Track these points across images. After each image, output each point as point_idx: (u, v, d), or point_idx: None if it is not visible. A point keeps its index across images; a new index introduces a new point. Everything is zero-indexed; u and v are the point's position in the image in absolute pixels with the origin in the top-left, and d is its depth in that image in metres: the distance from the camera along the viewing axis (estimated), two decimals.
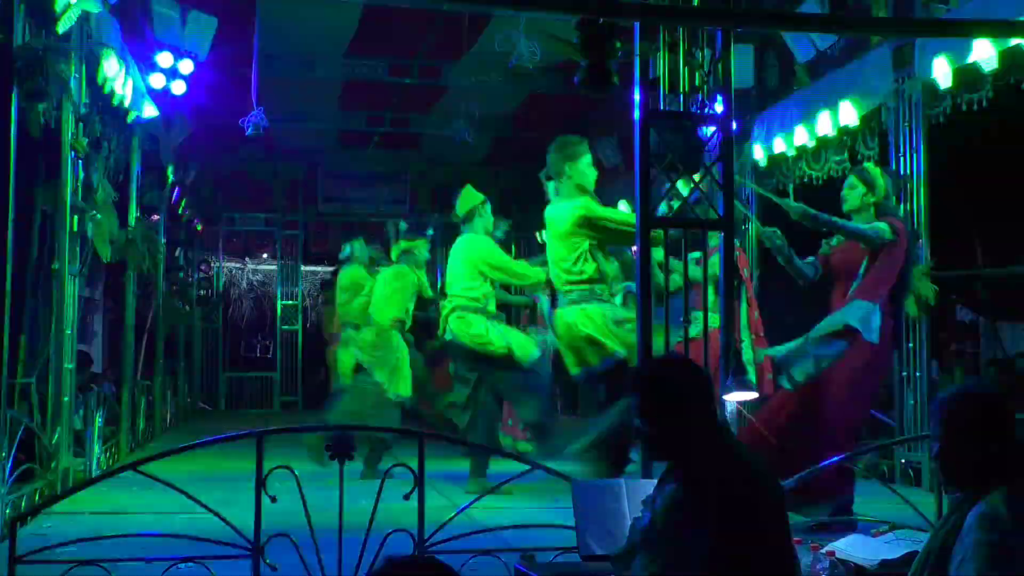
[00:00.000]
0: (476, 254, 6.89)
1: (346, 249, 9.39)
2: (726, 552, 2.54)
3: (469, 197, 7.10)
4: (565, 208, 5.88)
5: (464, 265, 6.91)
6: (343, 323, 9.35)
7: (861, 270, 5.52)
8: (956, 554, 2.30)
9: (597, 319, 5.76)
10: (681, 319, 4.72)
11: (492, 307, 6.95)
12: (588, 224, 5.80)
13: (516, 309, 10.01)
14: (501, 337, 6.71)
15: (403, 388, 7.94)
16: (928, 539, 2.54)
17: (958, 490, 2.44)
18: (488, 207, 7.11)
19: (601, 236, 5.83)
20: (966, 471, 2.40)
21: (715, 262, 5.07)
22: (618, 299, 7.22)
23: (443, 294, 7.33)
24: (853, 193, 5.72)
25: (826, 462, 4.74)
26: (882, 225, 5.49)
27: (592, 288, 5.83)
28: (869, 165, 5.95)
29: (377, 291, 8.30)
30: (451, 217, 7.30)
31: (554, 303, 7.12)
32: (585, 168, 5.90)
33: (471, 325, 6.74)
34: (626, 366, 5.55)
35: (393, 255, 8.48)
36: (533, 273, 6.93)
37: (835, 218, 5.54)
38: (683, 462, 2.71)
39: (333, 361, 10.63)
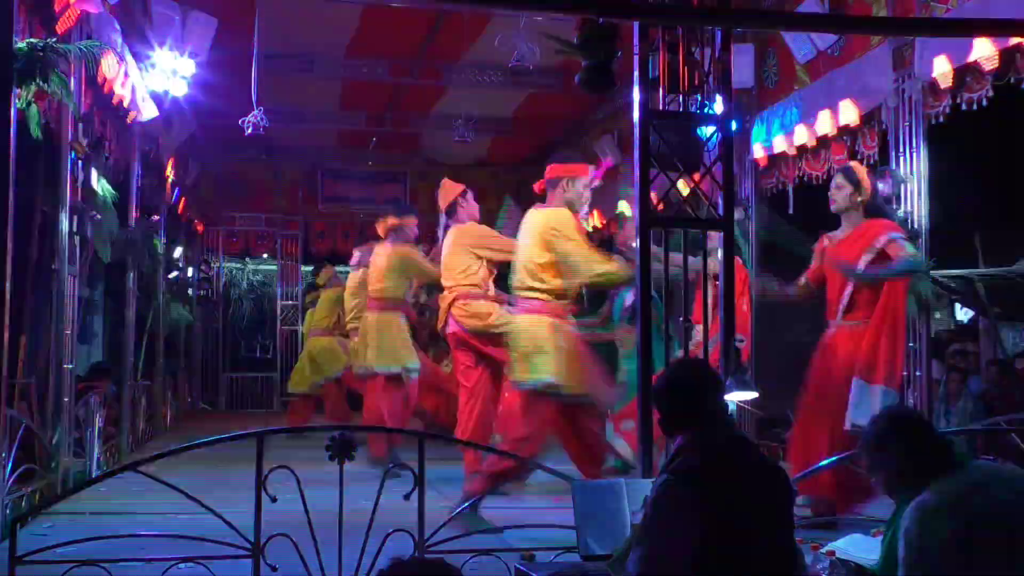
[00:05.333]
0: (464, 237, 6.88)
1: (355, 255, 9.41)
2: (712, 545, 2.55)
3: (448, 190, 7.10)
4: (549, 213, 5.67)
5: (456, 250, 6.90)
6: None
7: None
8: (900, 551, 2.56)
9: (546, 333, 5.52)
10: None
11: (492, 291, 6.91)
12: (557, 235, 5.52)
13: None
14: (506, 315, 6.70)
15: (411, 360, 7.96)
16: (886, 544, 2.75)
17: (897, 498, 2.70)
18: (469, 195, 7.10)
19: (559, 252, 5.53)
20: (894, 481, 2.71)
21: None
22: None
23: (440, 290, 7.30)
24: (840, 194, 5.76)
25: (826, 462, 4.75)
26: (910, 249, 5.55)
27: (551, 301, 5.59)
28: (854, 163, 5.96)
29: (373, 272, 8.34)
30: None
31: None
32: (581, 188, 5.81)
33: (476, 308, 6.72)
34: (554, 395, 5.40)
35: (380, 231, 8.49)
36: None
37: (886, 270, 5.57)
38: (680, 452, 2.75)
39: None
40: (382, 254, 8.41)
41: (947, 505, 2.53)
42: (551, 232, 5.51)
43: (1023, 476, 2.82)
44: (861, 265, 5.61)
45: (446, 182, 7.16)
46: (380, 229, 8.55)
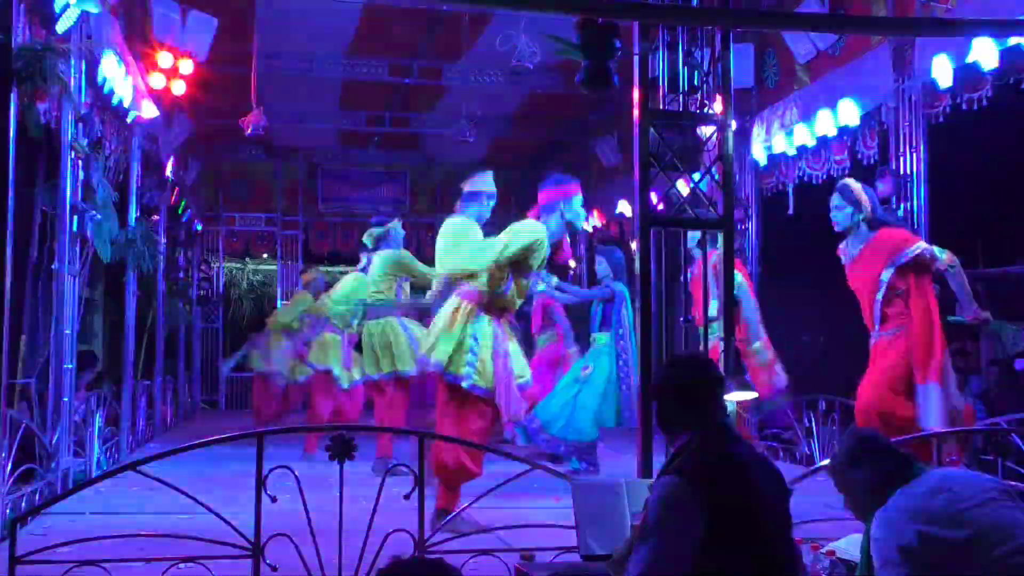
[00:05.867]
0: (459, 237, 6.89)
1: (364, 260, 9.40)
2: (716, 546, 2.55)
3: (482, 182, 7.00)
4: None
5: (451, 250, 6.90)
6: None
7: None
8: (875, 560, 2.67)
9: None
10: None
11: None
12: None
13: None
14: None
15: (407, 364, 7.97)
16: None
17: (867, 516, 2.79)
18: (491, 204, 7.07)
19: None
20: (865, 496, 2.81)
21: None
22: None
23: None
24: (841, 214, 5.79)
25: (827, 461, 4.74)
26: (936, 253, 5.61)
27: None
28: (849, 181, 5.93)
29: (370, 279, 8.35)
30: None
31: None
32: (577, 208, 5.82)
33: None
34: None
35: (369, 243, 8.49)
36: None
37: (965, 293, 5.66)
38: (680, 452, 2.75)
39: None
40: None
41: (910, 509, 2.65)
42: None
43: (981, 477, 2.92)
44: (886, 280, 5.63)
45: (488, 175, 6.98)
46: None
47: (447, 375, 5.43)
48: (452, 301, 5.64)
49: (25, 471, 5.72)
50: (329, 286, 9.97)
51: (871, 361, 5.78)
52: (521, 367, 5.70)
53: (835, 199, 5.83)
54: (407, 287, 8.45)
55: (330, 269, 13.68)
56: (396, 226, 8.44)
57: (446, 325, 5.55)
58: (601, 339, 7.67)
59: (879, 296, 5.64)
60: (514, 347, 5.70)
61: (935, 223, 7.04)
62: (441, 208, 16.01)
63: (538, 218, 5.78)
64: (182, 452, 4.06)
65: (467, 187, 6.59)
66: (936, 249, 5.67)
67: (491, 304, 5.58)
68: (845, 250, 5.90)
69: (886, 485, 2.77)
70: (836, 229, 5.82)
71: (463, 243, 5.72)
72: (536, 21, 8.03)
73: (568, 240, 5.94)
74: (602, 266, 7.83)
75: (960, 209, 8.13)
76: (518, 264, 5.57)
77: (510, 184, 13.12)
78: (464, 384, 5.39)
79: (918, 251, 5.62)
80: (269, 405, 10.29)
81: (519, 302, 5.84)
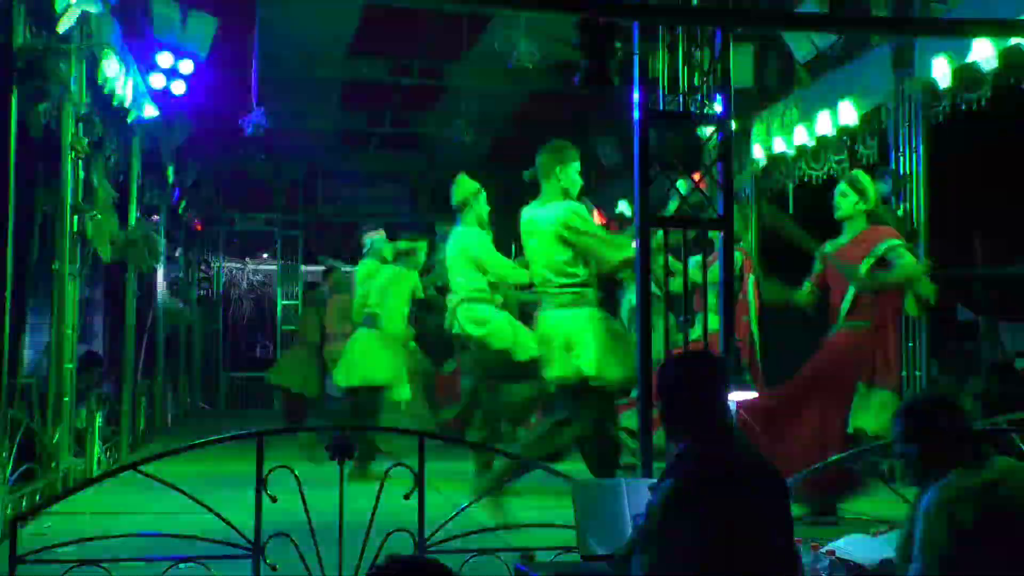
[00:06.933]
0: (467, 249, 6.89)
1: (367, 243, 9.35)
2: (720, 548, 2.55)
3: (463, 186, 7.08)
4: (557, 208, 5.49)
5: (460, 258, 6.92)
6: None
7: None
8: (917, 531, 2.63)
9: (586, 325, 5.34)
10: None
11: (499, 297, 6.93)
12: (575, 231, 5.38)
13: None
14: (505, 329, 6.70)
15: (404, 393, 7.98)
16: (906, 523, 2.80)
17: (922, 484, 2.74)
18: (482, 196, 7.08)
19: (580, 247, 5.40)
20: (932, 464, 2.72)
21: (716, 269, 5.07)
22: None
23: (448, 289, 7.31)
24: (845, 201, 5.82)
25: (827, 461, 4.74)
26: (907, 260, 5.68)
27: (584, 292, 5.43)
28: (859, 173, 6.02)
29: (372, 294, 8.29)
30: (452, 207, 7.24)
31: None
32: (574, 174, 5.69)
33: (477, 314, 6.74)
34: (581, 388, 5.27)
35: (388, 255, 8.45)
36: (515, 275, 6.72)
37: (885, 276, 5.69)
38: (684, 454, 2.74)
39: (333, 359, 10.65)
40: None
41: (970, 492, 2.59)
42: (566, 229, 5.37)
43: None
44: (864, 269, 5.66)
45: (462, 179, 7.10)
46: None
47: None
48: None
49: (25, 471, 5.73)
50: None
51: (827, 349, 5.78)
52: None
53: (842, 186, 5.89)
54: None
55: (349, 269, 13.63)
56: (422, 250, 8.47)
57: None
58: None
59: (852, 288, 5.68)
60: None
61: (935, 223, 7.04)
62: (441, 208, 16.03)
63: (535, 181, 5.76)
64: (182, 452, 4.06)
65: (454, 200, 6.66)
66: (908, 252, 5.71)
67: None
68: (832, 242, 5.92)
69: (948, 457, 2.69)
70: (836, 216, 5.85)
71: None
72: (536, 21, 8.04)
73: None
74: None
75: (960, 209, 8.14)
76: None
77: (510, 184, 13.14)
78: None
79: (890, 245, 5.67)
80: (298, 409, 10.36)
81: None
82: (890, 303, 5.75)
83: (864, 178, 5.89)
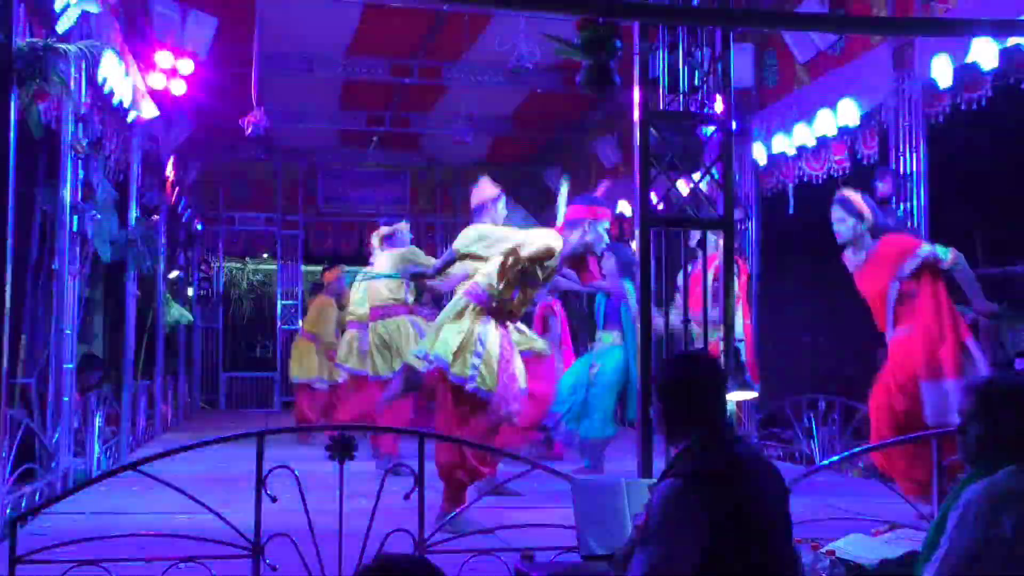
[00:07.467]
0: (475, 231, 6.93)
1: (396, 235, 9.36)
2: (720, 548, 2.55)
3: (483, 190, 7.02)
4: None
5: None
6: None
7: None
8: (951, 518, 2.51)
9: None
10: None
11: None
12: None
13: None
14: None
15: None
16: (941, 509, 2.69)
17: (973, 466, 2.63)
18: (501, 203, 7.06)
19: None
20: (987, 449, 2.60)
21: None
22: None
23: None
24: (844, 226, 5.79)
25: (827, 461, 4.75)
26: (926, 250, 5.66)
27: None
28: (847, 192, 5.92)
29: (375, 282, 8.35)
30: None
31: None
32: (601, 232, 5.75)
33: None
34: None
35: (375, 243, 8.51)
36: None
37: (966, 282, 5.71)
38: (683, 454, 2.74)
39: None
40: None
41: (1018, 497, 2.48)
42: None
43: None
44: (894, 291, 5.65)
45: (485, 181, 7.06)
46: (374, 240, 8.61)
47: (452, 375, 5.42)
48: (460, 300, 5.64)
49: (25, 471, 5.72)
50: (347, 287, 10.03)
51: (889, 358, 5.80)
52: (522, 374, 5.70)
53: (836, 212, 5.81)
54: (414, 288, 8.47)
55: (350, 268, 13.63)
56: (404, 227, 8.48)
57: (452, 317, 5.56)
58: (607, 338, 7.69)
59: (890, 303, 5.68)
60: (516, 354, 5.71)
61: (935, 223, 7.04)
62: (441, 208, 16.07)
63: (561, 232, 5.78)
64: (182, 452, 4.06)
65: (473, 201, 6.67)
66: (939, 249, 5.68)
67: (498, 309, 5.58)
68: (850, 258, 5.90)
69: (1005, 450, 2.56)
70: (839, 241, 5.82)
71: (484, 232, 5.77)
72: (536, 21, 8.04)
73: (594, 260, 5.96)
74: (610, 262, 7.83)
75: (960, 209, 8.13)
76: (527, 272, 5.57)
77: (510, 184, 13.15)
78: (468, 386, 5.39)
79: (922, 257, 5.63)
80: (313, 412, 10.35)
81: (523, 310, 5.85)
82: (930, 301, 5.65)
83: (853, 197, 5.83)
